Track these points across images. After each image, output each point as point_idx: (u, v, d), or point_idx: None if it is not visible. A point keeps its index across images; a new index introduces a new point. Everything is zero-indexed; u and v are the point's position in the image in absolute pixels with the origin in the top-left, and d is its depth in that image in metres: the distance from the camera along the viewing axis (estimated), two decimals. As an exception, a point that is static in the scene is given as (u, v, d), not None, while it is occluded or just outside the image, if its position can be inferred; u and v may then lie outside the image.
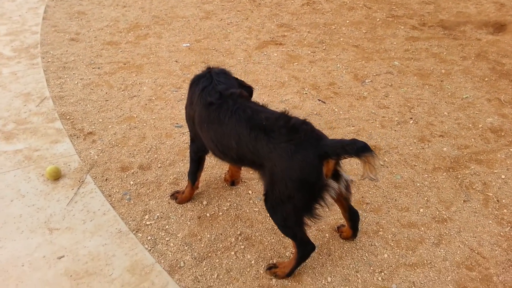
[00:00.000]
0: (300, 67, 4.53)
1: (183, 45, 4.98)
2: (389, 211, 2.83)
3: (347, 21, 5.51)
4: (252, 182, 3.06)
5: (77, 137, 3.50)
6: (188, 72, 4.41)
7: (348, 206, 2.44)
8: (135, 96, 4.05)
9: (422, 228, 2.70)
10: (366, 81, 4.27)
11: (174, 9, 5.91)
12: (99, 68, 4.51)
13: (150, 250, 2.53)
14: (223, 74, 2.65)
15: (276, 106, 3.90)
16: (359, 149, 1.94)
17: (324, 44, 4.98)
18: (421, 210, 2.83)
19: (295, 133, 2.07)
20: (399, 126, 3.63)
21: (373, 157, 1.93)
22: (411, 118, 3.72)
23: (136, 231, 2.66)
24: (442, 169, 3.16)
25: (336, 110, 3.85)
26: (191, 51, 4.84)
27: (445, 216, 2.78)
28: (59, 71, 4.44)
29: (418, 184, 3.04)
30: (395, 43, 4.97)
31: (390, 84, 4.21)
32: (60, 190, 2.95)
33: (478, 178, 3.08)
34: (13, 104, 3.89)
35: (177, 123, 3.67)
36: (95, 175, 3.10)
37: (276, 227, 2.48)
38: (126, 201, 2.89)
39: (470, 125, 3.61)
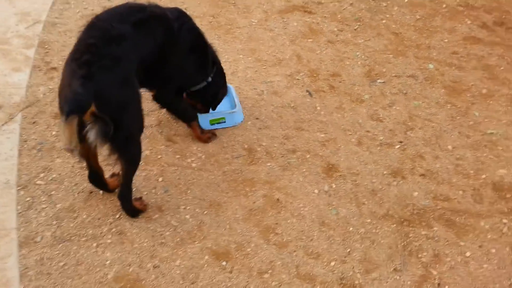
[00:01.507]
0: (313, 45, 3.86)
1: (204, -9, 4.51)
2: (295, 251, 2.33)
3: (406, 1, 4.52)
4: (169, 169, 2.72)
5: (39, 70, 3.40)
6: (189, 24, 4.00)
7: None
8: (120, 39, 3.80)
9: (318, 286, 2.19)
10: (378, 81, 3.50)
11: None
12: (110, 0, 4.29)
13: (20, 213, 2.40)
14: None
15: (256, 86, 3.39)
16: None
17: (359, 23, 4.17)
18: (333, 263, 2.29)
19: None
20: (378, 148, 2.94)
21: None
22: (400, 142, 2.98)
23: (22, 188, 2.53)
24: (394, 219, 2.51)
25: (318, 108, 3.23)
26: (207, 0, 4.37)
27: (357, 282, 2.22)
28: (71, -5, 4.31)
29: (351, 228, 2.45)
30: (446, 40, 3.98)
31: (405, 91, 3.41)
32: (-12, 123, 2.91)
33: (433, 245, 2.39)
34: (8, 21, 3.87)
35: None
36: (27, 114, 3.00)
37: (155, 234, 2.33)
38: (36, 151, 2.76)
39: (471, 172, 2.80)
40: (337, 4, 4.45)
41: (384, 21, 4.22)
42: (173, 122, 2.97)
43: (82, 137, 1.89)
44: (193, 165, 2.76)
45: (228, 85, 3.13)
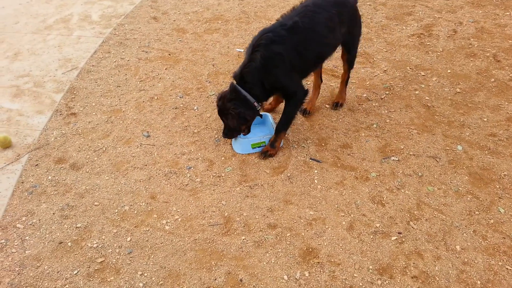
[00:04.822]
0: (331, 112, 3.67)
1: (237, 49, 4.60)
2: None
3: (449, 71, 4.18)
4: (141, 228, 2.65)
5: (60, 114, 3.62)
6: (212, 81, 4.06)
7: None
8: (143, 90, 3.95)
9: None
10: (392, 158, 3.19)
11: (268, 8, 5.49)
12: (146, 52, 4.54)
13: (-13, 254, 2.47)
14: None
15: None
16: None
17: (388, 92, 3.92)
18: None
19: None
20: (371, 237, 2.61)
21: None
22: (399, 233, 2.63)
23: (1, 229, 2.62)
24: (366, 327, 2.15)
25: (316, 181, 3.00)
26: (238, 58, 4.43)
27: None
28: (114, 46, 4.64)
29: (312, 330, 2.14)
30: (485, 119, 3.56)
31: (420, 173, 3.05)
32: (-2, 160, 3.12)
33: None
34: (51, 66, 4.26)
35: (147, 132, 3.44)
36: (33, 156, 3.17)
37: None
38: (27, 194, 2.87)
39: (478, 283, 2.34)
40: (369, 69, 4.24)
41: (417, 92, 3.91)
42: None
43: None
44: (166, 227, 2.66)
45: (265, 113, 3.48)
